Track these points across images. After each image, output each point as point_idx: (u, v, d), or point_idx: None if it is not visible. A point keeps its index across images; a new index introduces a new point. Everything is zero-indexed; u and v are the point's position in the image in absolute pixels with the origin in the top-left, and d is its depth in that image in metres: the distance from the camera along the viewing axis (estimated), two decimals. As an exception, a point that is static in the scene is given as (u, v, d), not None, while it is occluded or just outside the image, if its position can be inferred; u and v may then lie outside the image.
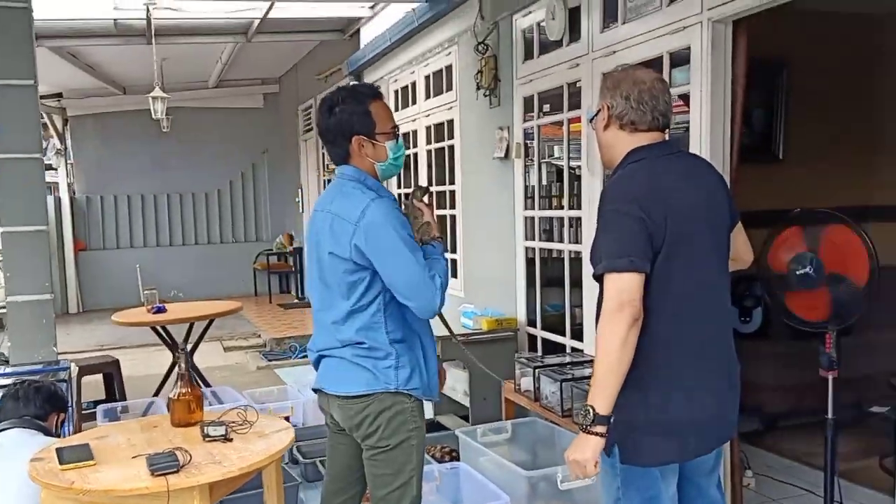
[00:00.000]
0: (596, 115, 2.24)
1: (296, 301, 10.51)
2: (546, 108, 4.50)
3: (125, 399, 5.08)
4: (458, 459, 3.81)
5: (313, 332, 2.37)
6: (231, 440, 2.05)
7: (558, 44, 4.22)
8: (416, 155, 6.47)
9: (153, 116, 7.03)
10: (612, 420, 1.89)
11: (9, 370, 3.67)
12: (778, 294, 3.32)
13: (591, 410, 1.88)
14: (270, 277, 11.09)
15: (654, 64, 3.44)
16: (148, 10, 6.54)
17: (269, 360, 7.28)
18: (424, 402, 2.33)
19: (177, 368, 2.22)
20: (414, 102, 6.46)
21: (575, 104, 4.11)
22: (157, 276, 10.16)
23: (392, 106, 6.91)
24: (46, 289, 4.26)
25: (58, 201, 11.35)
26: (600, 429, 1.88)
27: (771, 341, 4.81)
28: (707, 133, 3.18)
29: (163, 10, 6.55)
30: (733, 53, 3.19)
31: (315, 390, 2.35)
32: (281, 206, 11.76)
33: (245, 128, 11.62)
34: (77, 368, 4.25)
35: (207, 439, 2.06)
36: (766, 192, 4.03)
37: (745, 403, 3.80)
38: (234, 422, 2.16)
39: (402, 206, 2.35)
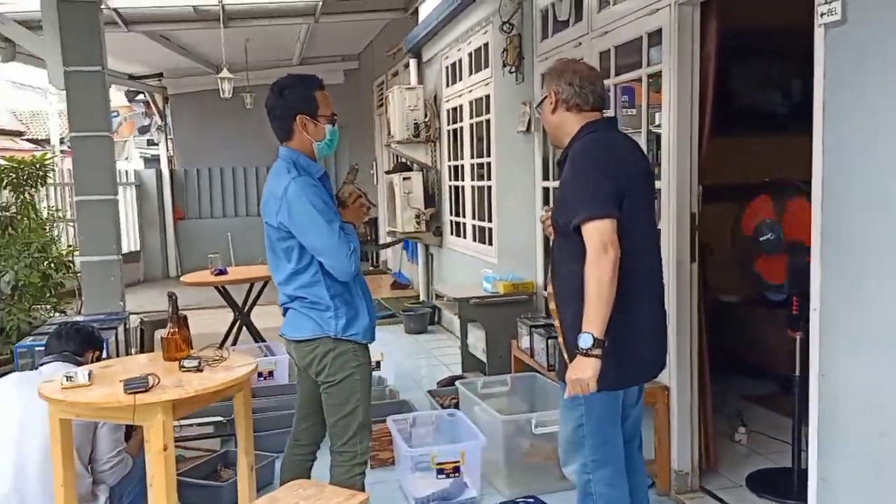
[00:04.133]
0: (542, 101, 2.56)
1: (370, 269, 11.10)
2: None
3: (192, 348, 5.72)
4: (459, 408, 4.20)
5: (279, 290, 2.81)
6: (202, 371, 2.52)
7: (566, 24, 4.44)
8: (461, 129, 6.80)
9: (221, 96, 7.64)
10: (605, 343, 2.19)
11: (78, 318, 4.33)
12: (747, 258, 3.52)
13: (590, 335, 2.18)
14: (345, 245, 11.70)
15: (635, 44, 3.65)
16: (220, -3, 7.13)
17: (333, 321, 7.83)
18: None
19: (167, 313, 2.71)
20: (461, 78, 6.77)
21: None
22: (246, 243, 11.01)
23: (444, 81, 7.26)
24: (114, 251, 4.90)
25: (159, 174, 12.39)
26: (597, 351, 2.19)
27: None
28: (675, 108, 3.36)
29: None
30: (703, 33, 3.35)
31: (281, 335, 2.79)
32: (359, 178, 12.30)
33: (327, 103, 12.21)
34: (139, 320, 4.88)
35: (182, 370, 2.53)
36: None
37: (765, 367, 3.98)
38: (210, 357, 2.63)
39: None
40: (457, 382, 4.23)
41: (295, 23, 8.61)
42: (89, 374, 2.46)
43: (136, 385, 2.28)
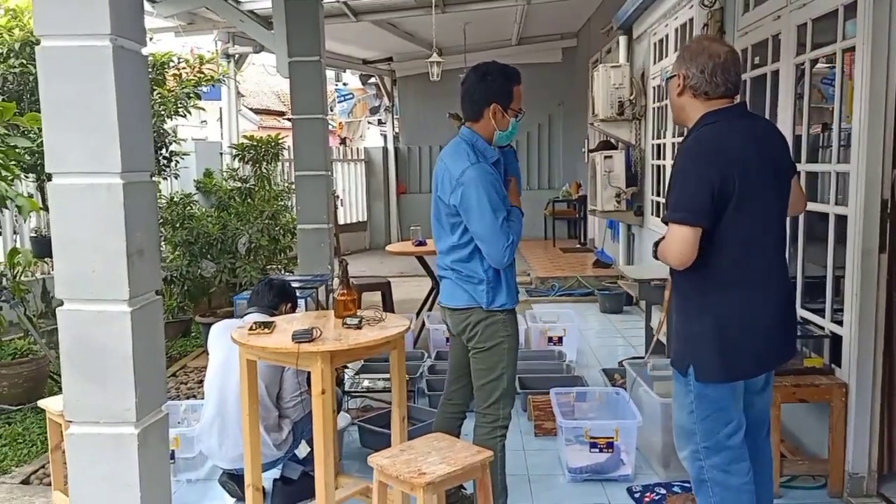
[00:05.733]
0: (670, 79, 2.53)
1: (577, 246, 11.12)
2: (757, 59, 4.47)
3: (393, 311, 6.25)
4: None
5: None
6: (361, 328, 2.83)
7: (767, -5, 4.20)
8: (665, 106, 6.63)
9: (430, 79, 8.06)
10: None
11: (285, 276, 4.94)
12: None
13: None
14: (556, 223, 11.82)
15: (832, 17, 3.40)
16: (436, -16, 7.54)
17: (531, 296, 8.05)
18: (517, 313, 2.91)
19: (338, 275, 3.06)
20: (666, 55, 6.59)
21: (776, 58, 4.09)
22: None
23: (651, 58, 7.10)
24: (324, 220, 5.46)
25: (385, 151, 13.32)
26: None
27: None
28: (867, 85, 3.11)
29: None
30: (905, 1, 3.05)
31: (439, 304, 3.03)
32: (572, 156, 12.35)
33: (543, 81, 12.28)
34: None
35: (344, 326, 2.86)
36: None
37: None
38: (370, 317, 2.94)
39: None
40: (625, 362, 4.25)
41: (507, 5, 8.84)
42: (271, 324, 2.89)
43: (302, 336, 2.64)
